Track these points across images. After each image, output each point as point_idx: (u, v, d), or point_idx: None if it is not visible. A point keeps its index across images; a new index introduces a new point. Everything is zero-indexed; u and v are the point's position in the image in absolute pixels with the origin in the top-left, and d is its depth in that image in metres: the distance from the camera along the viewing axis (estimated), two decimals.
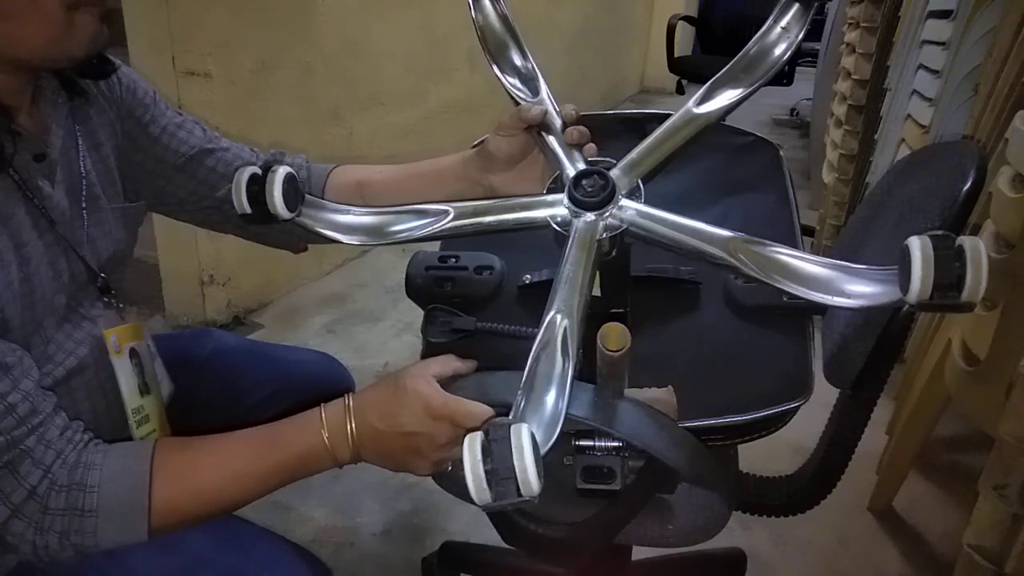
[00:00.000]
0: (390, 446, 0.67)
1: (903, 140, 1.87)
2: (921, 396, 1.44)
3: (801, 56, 3.30)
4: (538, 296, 0.74)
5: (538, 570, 1.21)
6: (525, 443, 0.46)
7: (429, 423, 0.64)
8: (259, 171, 0.65)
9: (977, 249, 0.46)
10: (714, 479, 0.66)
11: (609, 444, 0.68)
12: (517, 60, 0.82)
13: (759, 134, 0.94)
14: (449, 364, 0.70)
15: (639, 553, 1.00)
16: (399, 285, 0.82)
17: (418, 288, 0.81)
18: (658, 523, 0.76)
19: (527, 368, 0.57)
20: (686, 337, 0.75)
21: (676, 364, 0.73)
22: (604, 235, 0.65)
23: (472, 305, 0.79)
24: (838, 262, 0.57)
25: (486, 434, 0.48)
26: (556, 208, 0.68)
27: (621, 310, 0.72)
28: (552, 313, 0.59)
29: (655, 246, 0.65)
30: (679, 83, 3.76)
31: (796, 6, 0.72)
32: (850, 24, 2.50)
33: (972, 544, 1.07)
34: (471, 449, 0.47)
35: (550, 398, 0.55)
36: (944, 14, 1.68)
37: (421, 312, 0.80)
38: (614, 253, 0.67)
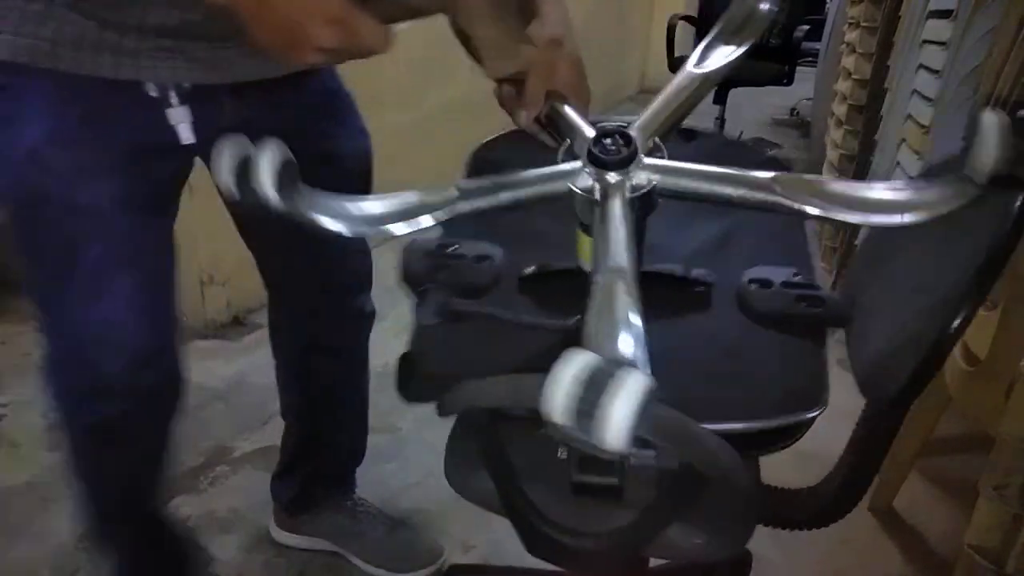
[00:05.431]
0: None
1: (903, 140, 1.87)
2: (921, 396, 1.43)
3: (801, 56, 3.30)
4: (540, 288, 0.72)
5: None
6: (636, 394, 0.40)
7: None
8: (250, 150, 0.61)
9: None
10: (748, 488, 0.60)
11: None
12: None
13: (772, 144, 0.92)
14: None
15: None
16: (399, 285, 0.82)
17: (414, 274, 0.77)
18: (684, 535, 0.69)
19: (586, 345, 0.50)
20: (694, 338, 0.72)
21: (681, 364, 0.69)
22: (634, 190, 0.61)
23: (469, 295, 0.75)
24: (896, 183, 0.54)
25: (604, 364, 0.42)
26: (576, 177, 0.64)
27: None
28: (601, 278, 0.54)
29: (689, 200, 0.62)
30: None
31: None
32: (850, 24, 2.50)
33: (972, 544, 1.08)
34: (575, 363, 0.42)
35: (635, 371, 0.46)
36: (944, 14, 1.68)
37: None
38: (640, 220, 0.63)
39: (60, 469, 1.05)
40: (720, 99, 3.25)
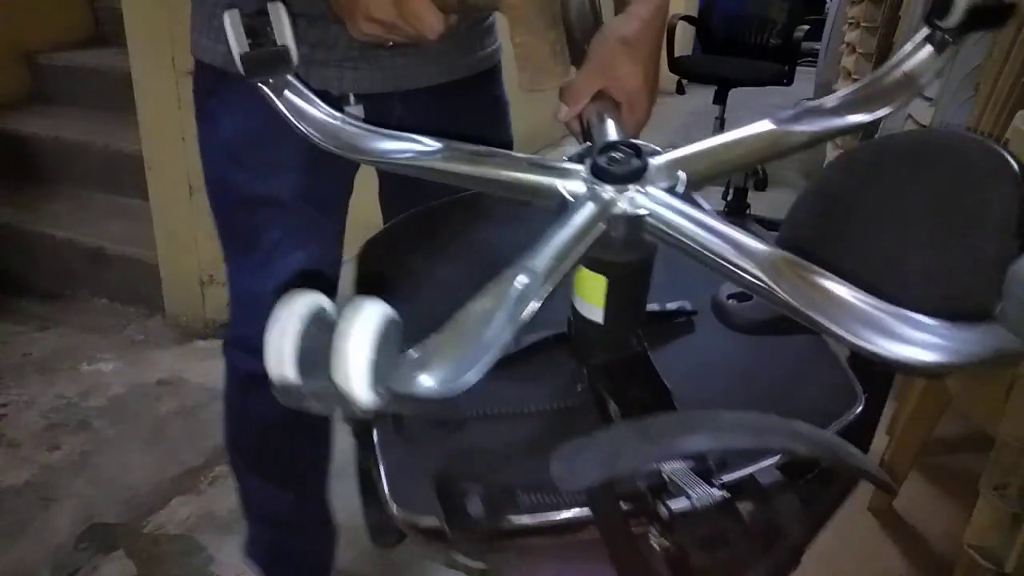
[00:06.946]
0: None
1: None
2: (921, 396, 1.44)
3: (801, 56, 3.30)
4: (523, 368, 0.59)
5: None
6: (367, 329, 0.35)
7: None
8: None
9: None
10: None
11: (711, 492, 0.46)
12: None
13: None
14: None
15: None
16: None
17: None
18: None
19: (458, 315, 0.44)
20: (712, 376, 0.66)
21: (704, 403, 0.61)
22: (621, 211, 0.53)
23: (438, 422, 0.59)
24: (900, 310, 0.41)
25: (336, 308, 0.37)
26: (572, 180, 0.56)
27: (640, 349, 0.58)
28: (515, 267, 0.47)
29: (677, 248, 0.52)
30: (679, 83, 3.75)
31: (927, 49, 0.59)
32: (850, 24, 2.50)
33: (972, 544, 1.08)
34: (296, 303, 0.37)
35: (469, 347, 0.42)
36: None
37: None
38: (624, 255, 0.54)
39: (60, 469, 1.06)
40: (720, 99, 3.24)
